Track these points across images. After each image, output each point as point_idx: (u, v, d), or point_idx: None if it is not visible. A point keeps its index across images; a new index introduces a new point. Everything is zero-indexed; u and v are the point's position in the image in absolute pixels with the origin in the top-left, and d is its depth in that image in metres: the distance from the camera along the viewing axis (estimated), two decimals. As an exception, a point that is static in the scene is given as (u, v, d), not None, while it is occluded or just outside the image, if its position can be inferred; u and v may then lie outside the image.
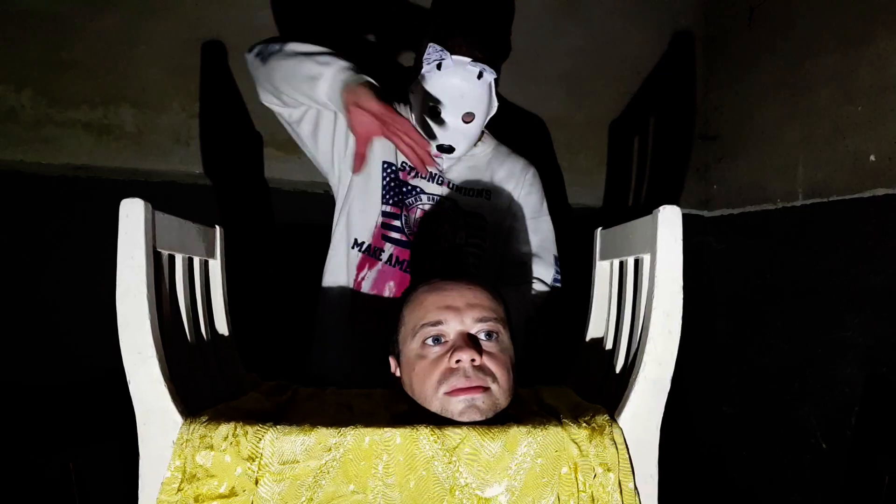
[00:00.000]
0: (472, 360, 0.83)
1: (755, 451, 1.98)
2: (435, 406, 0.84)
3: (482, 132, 1.43)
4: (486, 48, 1.32)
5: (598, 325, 1.08)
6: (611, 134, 2.11)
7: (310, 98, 1.26)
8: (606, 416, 0.80)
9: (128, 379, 0.76)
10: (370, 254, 1.36)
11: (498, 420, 0.82)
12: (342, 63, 1.22)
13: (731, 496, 2.06)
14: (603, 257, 1.07)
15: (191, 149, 1.77)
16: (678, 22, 2.16)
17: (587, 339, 1.09)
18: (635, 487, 0.77)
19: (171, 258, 0.90)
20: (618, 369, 0.94)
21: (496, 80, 1.35)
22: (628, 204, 2.11)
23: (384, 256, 1.35)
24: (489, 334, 0.88)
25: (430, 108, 1.32)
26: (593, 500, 0.76)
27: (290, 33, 1.82)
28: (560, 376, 1.15)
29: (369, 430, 0.77)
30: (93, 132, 1.70)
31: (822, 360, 1.73)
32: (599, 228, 1.09)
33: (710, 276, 2.15)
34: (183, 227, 0.92)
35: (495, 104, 1.38)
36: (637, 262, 0.92)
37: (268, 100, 1.34)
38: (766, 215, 1.94)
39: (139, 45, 1.72)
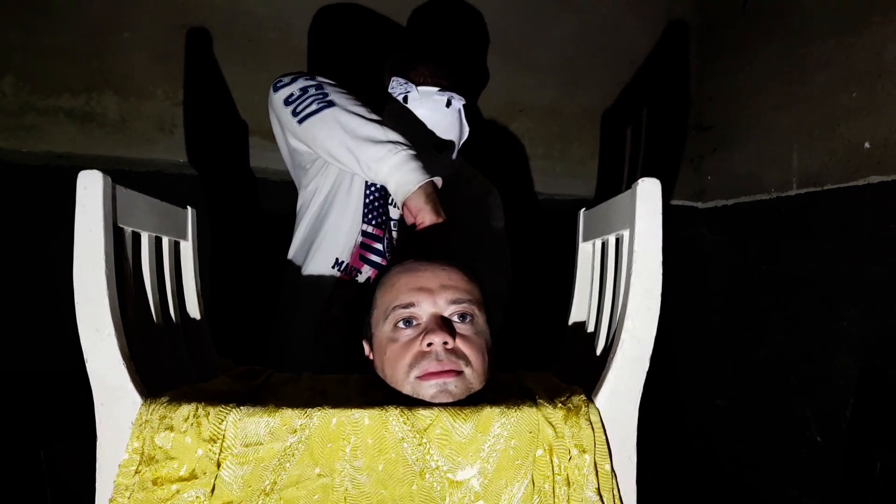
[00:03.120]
0: (445, 344, 0.80)
1: (750, 444, 1.94)
2: (407, 390, 0.81)
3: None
4: (451, 75, 1.31)
5: (581, 308, 1.05)
6: (604, 124, 2.08)
7: (355, 169, 1.14)
8: (583, 397, 0.76)
9: (85, 357, 0.73)
10: (347, 273, 1.30)
11: (472, 402, 0.79)
12: (407, 153, 1.10)
13: (725, 489, 2.02)
14: (586, 238, 1.04)
15: (175, 137, 1.74)
16: (672, 11, 2.14)
17: (570, 323, 1.06)
18: (612, 469, 0.74)
19: (137, 236, 0.88)
20: (598, 351, 0.91)
21: (465, 106, 1.34)
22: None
23: (360, 278, 1.28)
24: (463, 316, 0.84)
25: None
26: (568, 482, 0.73)
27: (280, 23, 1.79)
28: (545, 364, 1.12)
29: (336, 411, 0.74)
30: (75, 120, 1.67)
31: (818, 351, 1.70)
32: (583, 209, 1.06)
33: (704, 268, 2.12)
34: (149, 204, 0.89)
35: (467, 129, 1.35)
36: (618, 240, 0.89)
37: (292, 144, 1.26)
38: (761, 206, 1.92)
39: (123, 32, 1.69)
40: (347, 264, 1.31)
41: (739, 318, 2.01)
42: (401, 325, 0.83)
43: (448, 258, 0.91)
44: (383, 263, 1.29)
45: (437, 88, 1.28)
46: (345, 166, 1.15)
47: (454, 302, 0.83)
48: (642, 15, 2.11)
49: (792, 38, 1.81)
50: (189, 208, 1.02)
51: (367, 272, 1.29)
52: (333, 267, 1.31)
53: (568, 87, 2.06)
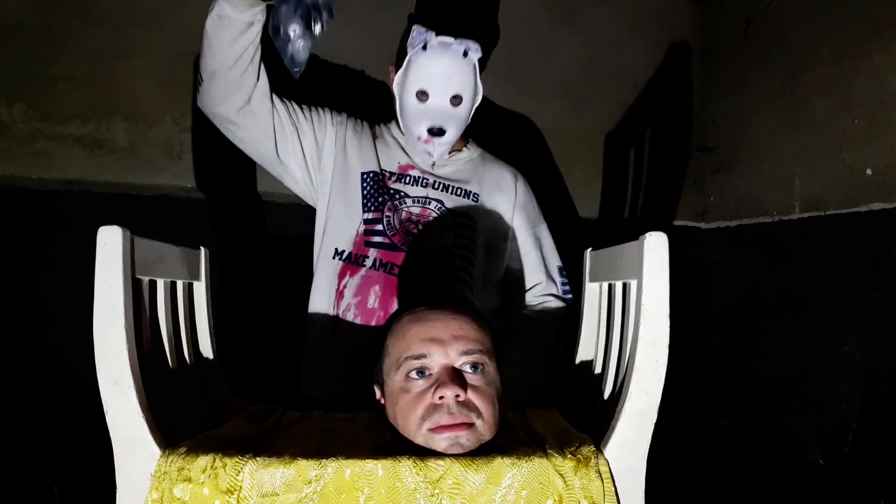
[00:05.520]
0: (457, 396, 0.81)
1: (752, 465, 1.96)
2: (419, 441, 0.82)
3: (467, 128, 1.42)
4: (470, 26, 1.35)
5: (588, 348, 1.06)
6: (607, 145, 2.10)
7: (235, 32, 1.21)
8: (592, 448, 0.78)
9: (105, 409, 0.75)
10: (351, 262, 1.34)
11: (483, 450, 0.81)
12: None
13: (728, 511, 2.04)
14: (592, 279, 1.06)
15: (183, 162, 1.76)
16: (675, 33, 2.15)
17: (577, 361, 1.08)
18: (621, 521, 0.76)
19: (153, 283, 0.89)
20: (605, 395, 0.93)
21: (482, 67, 1.36)
22: (624, 216, 2.10)
23: (367, 262, 1.33)
24: (474, 366, 0.86)
25: (419, 94, 1.33)
26: (578, 533, 0.74)
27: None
28: (551, 397, 1.13)
29: (350, 461, 0.76)
30: (85, 146, 1.69)
31: (819, 374, 1.71)
32: (589, 250, 1.08)
33: (706, 288, 2.14)
34: (164, 251, 0.90)
35: (480, 90, 1.38)
36: (625, 287, 0.90)
37: (233, 115, 1.33)
38: (763, 228, 1.93)
39: (131, 59, 1.71)
40: (350, 252, 1.35)
41: (741, 337, 2.03)
42: (413, 374, 0.85)
43: (459, 304, 0.92)
44: (386, 241, 1.34)
45: (454, 38, 1.30)
46: (236, 51, 1.22)
47: (466, 353, 0.85)
48: (644, 37, 2.13)
49: (793, 63, 1.83)
50: (202, 249, 1.04)
51: (373, 254, 1.34)
52: (334, 258, 1.36)
53: (571, 109, 2.07)
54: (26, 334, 1.64)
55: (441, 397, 0.81)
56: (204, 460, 0.75)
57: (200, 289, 1.03)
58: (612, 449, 0.77)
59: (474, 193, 1.44)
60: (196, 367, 1.00)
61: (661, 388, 0.77)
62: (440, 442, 0.80)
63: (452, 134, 1.35)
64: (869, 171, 1.60)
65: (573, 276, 1.38)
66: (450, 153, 1.46)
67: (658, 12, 2.14)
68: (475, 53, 1.31)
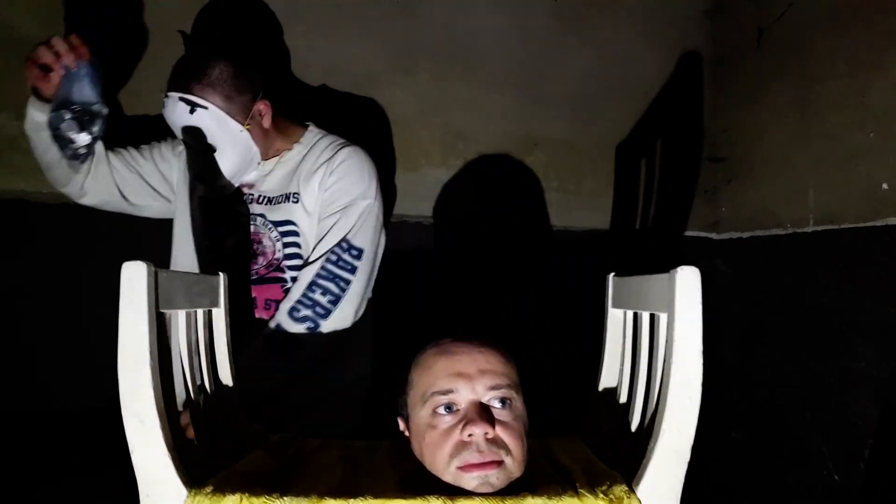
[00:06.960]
0: (486, 434, 0.80)
1: (764, 478, 1.95)
2: (447, 479, 0.81)
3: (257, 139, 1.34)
4: (198, 80, 1.25)
5: (611, 375, 1.05)
6: (618, 156, 2.09)
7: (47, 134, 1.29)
8: (624, 487, 0.77)
9: (130, 448, 0.74)
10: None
11: (512, 487, 0.80)
12: None
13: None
14: (616, 305, 1.04)
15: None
16: (686, 43, 2.14)
17: (599, 388, 1.06)
18: (654, 562, 0.74)
19: (175, 314, 0.88)
20: (633, 427, 0.91)
21: (257, 86, 1.32)
22: (636, 227, 2.09)
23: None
24: (503, 401, 0.84)
25: (184, 143, 1.35)
26: (610, 575, 0.73)
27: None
28: (572, 424, 1.12)
29: (378, 501, 0.74)
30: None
31: (834, 390, 1.70)
32: (612, 275, 1.06)
33: (717, 300, 2.12)
34: (186, 281, 0.89)
35: (235, 131, 1.29)
36: (652, 317, 0.89)
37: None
38: (776, 240, 1.92)
39: (140, 70, 1.70)
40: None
41: (753, 350, 2.02)
42: (440, 410, 0.84)
43: (484, 336, 0.91)
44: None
45: (179, 93, 1.24)
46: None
47: (493, 388, 0.84)
48: (656, 47, 2.12)
49: (807, 74, 1.81)
50: (221, 275, 1.02)
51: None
52: None
53: (582, 120, 2.06)
54: (38, 348, 1.63)
55: (470, 435, 0.80)
56: (231, 500, 0.74)
57: (220, 315, 1.02)
58: (645, 489, 0.76)
59: (294, 194, 1.36)
60: (216, 396, 0.98)
61: (695, 426, 0.76)
62: (470, 481, 0.79)
63: (225, 177, 1.33)
64: (885, 185, 1.59)
65: (592, 291, 1.33)
66: (278, 155, 1.41)
67: (670, 23, 2.13)
68: (204, 111, 1.24)
